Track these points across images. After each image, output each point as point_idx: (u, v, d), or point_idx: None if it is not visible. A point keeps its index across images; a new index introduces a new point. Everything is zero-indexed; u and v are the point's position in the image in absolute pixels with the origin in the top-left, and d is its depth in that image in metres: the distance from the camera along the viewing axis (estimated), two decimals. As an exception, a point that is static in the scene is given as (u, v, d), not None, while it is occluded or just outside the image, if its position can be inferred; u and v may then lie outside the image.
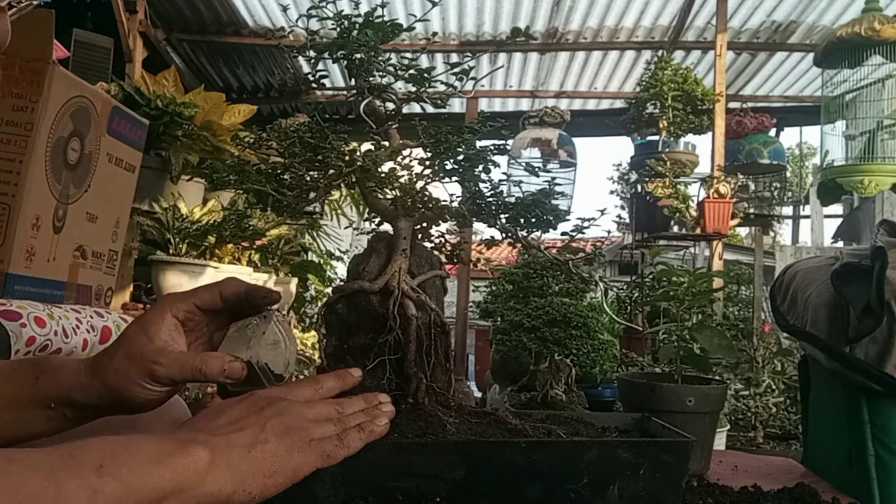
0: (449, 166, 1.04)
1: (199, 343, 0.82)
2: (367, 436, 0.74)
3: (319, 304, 5.08)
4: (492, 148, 1.06)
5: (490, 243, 1.38)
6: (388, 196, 1.07)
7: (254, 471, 0.64)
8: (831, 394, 1.33)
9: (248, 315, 0.84)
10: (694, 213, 4.47)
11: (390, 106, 1.11)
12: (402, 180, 1.04)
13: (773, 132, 5.47)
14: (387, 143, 1.10)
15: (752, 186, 5.51)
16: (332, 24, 1.06)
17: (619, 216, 6.64)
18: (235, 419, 0.67)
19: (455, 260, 1.18)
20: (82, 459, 0.55)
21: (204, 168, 3.10)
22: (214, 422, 0.67)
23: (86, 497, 0.52)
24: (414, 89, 1.11)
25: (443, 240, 1.17)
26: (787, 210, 6.81)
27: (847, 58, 3.84)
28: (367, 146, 1.09)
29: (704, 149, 4.80)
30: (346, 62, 1.07)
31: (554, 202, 1.06)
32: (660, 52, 5.16)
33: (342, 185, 1.05)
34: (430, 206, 1.05)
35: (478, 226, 1.23)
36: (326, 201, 4.29)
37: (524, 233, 1.09)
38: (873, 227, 1.48)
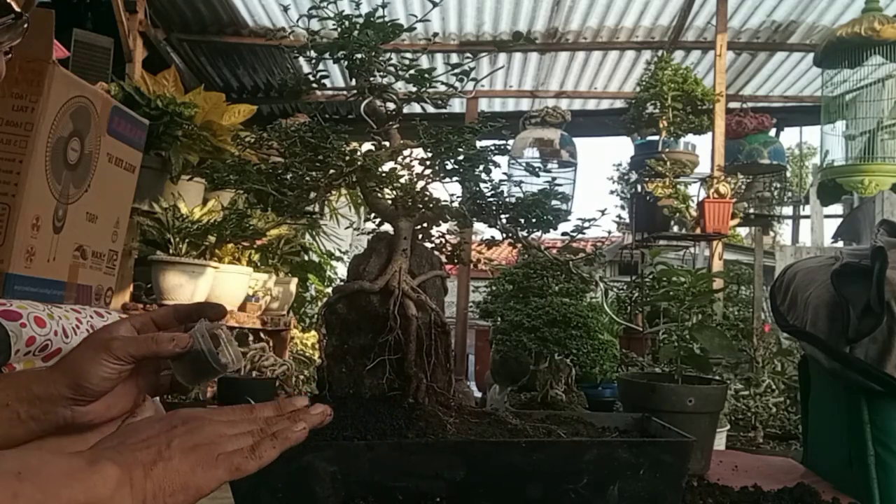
0: (449, 166, 1.04)
1: None
2: (280, 443, 0.72)
3: (319, 304, 5.08)
4: (492, 148, 1.06)
5: (490, 243, 1.38)
6: (389, 196, 1.07)
7: (154, 490, 0.64)
8: (831, 394, 1.33)
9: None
10: (694, 213, 4.47)
11: (391, 106, 1.11)
12: (402, 180, 1.04)
13: (773, 132, 5.47)
14: (387, 143, 1.10)
15: (756, 187, 5.51)
16: (333, 25, 1.06)
17: (619, 216, 6.64)
18: (146, 437, 0.68)
19: (455, 260, 1.18)
20: (3, 466, 0.57)
21: (204, 168, 3.10)
22: (127, 439, 0.68)
23: (7, 498, 0.55)
24: (414, 89, 1.11)
25: (443, 240, 1.17)
26: (787, 210, 6.82)
27: (847, 58, 3.84)
28: (367, 146, 1.09)
29: (704, 149, 4.81)
30: (346, 62, 1.07)
31: (555, 203, 1.06)
32: (660, 52, 5.16)
33: (343, 185, 1.05)
34: (431, 206, 1.05)
35: (478, 226, 1.23)
36: (326, 203, 4.29)
37: (524, 233, 1.09)
38: (873, 227, 1.48)
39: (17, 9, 0.73)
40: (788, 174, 6.16)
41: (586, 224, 1.11)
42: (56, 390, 0.77)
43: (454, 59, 1.22)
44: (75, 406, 0.77)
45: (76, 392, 0.77)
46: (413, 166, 1.05)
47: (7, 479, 0.56)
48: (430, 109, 1.18)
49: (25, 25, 0.75)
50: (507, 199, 1.06)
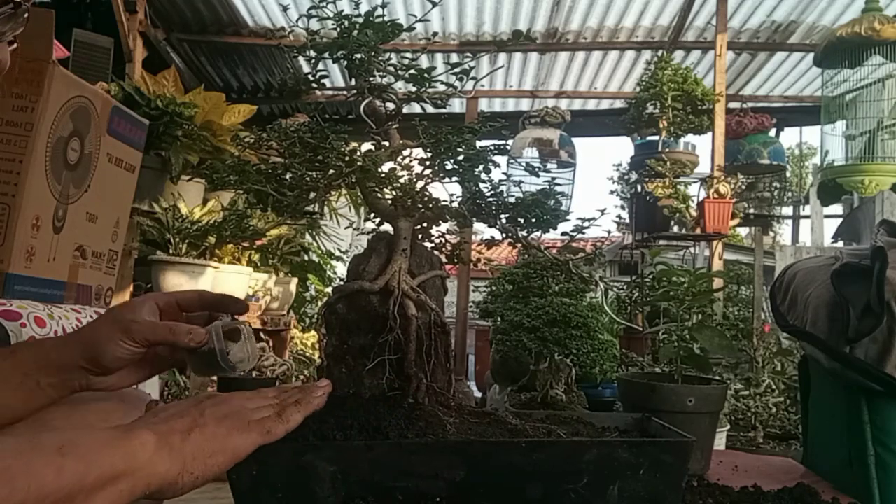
0: (449, 166, 1.04)
1: None
2: (304, 408, 0.81)
3: (319, 304, 5.08)
4: (492, 148, 1.06)
5: (490, 243, 1.38)
6: (389, 196, 1.07)
7: (194, 453, 0.69)
8: (831, 394, 1.33)
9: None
10: (694, 213, 4.47)
11: (390, 106, 1.11)
12: (402, 180, 1.04)
13: (773, 132, 5.47)
14: (387, 143, 1.10)
15: (756, 187, 5.51)
16: (333, 25, 1.06)
17: (619, 216, 6.64)
18: (177, 411, 0.74)
19: (455, 260, 1.18)
20: (44, 443, 0.61)
21: (204, 168, 3.10)
22: (159, 414, 0.74)
23: (52, 472, 0.59)
24: (414, 89, 1.11)
25: (443, 240, 1.17)
26: (787, 210, 6.82)
27: (847, 58, 3.84)
28: (367, 146, 1.09)
29: (704, 149, 4.81)
30: (346, 62, 1.07)
31: (553, 202, 1.06)
32: (660, 52, 5.15)
33: (342, 185, 1.05)
34: (431, 206, 1.05)
35: (478, 226, 1.23)
36: (325, 203, 4.29)
37: (524, 233, 1.09)
38: (873, 227, 1.48)
39: None
40: (788, 174, 6.16)
41: (586, 224, 1.11)
42: (72, 360, 0.82)
43: (454, 58, 1.22)
44: (90, 376, 0.83)
45: (91, 364, 0.82)
46: (413, 166, 1.05)
47: (50, 455, 0.60)
48: (430, 109, 1.18)
49: (26, 14, 0.76)
50: (507, 199, 1.06)
